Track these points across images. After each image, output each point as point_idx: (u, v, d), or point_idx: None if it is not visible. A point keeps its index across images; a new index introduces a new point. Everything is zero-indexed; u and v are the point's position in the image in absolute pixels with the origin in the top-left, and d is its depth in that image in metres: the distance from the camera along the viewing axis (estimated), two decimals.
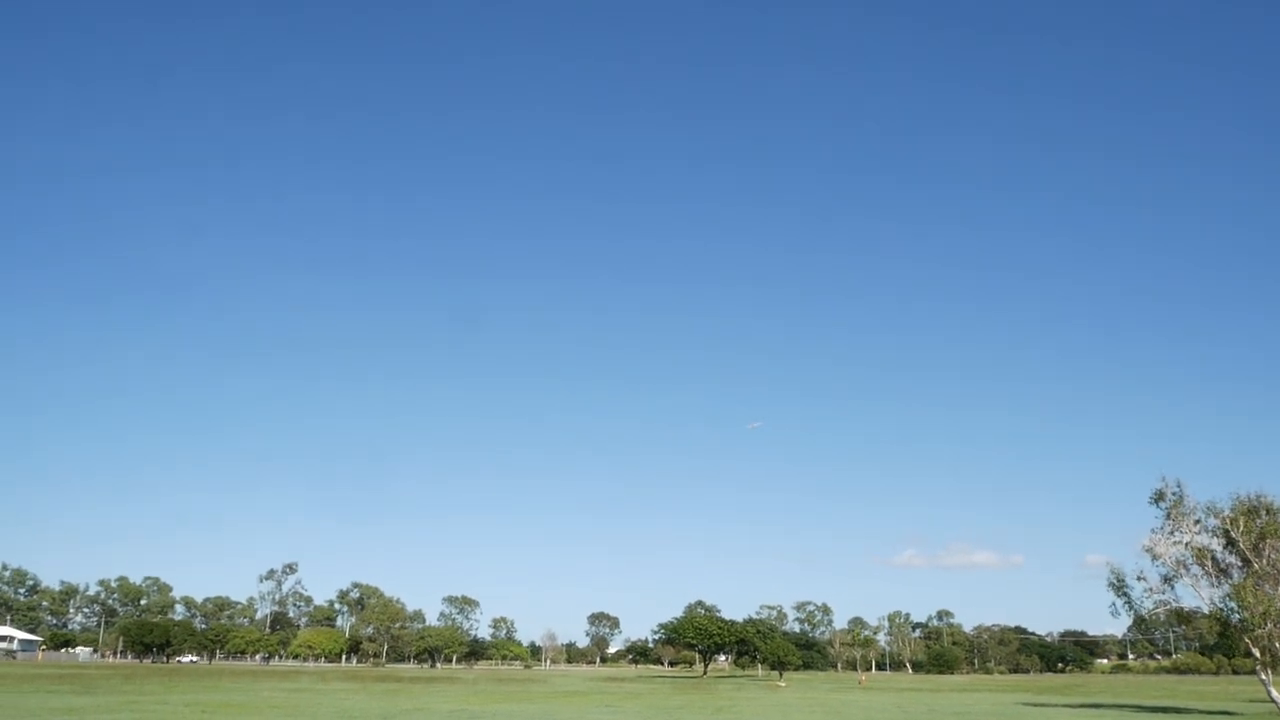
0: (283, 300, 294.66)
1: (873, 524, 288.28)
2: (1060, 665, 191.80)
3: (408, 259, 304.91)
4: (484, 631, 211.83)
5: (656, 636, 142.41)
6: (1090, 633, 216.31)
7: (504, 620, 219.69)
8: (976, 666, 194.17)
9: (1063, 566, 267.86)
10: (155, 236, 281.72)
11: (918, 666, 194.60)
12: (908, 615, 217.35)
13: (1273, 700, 41.00)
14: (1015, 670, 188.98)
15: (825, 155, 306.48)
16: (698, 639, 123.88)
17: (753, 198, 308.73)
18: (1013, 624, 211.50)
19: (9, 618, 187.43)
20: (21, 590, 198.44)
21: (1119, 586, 44.65)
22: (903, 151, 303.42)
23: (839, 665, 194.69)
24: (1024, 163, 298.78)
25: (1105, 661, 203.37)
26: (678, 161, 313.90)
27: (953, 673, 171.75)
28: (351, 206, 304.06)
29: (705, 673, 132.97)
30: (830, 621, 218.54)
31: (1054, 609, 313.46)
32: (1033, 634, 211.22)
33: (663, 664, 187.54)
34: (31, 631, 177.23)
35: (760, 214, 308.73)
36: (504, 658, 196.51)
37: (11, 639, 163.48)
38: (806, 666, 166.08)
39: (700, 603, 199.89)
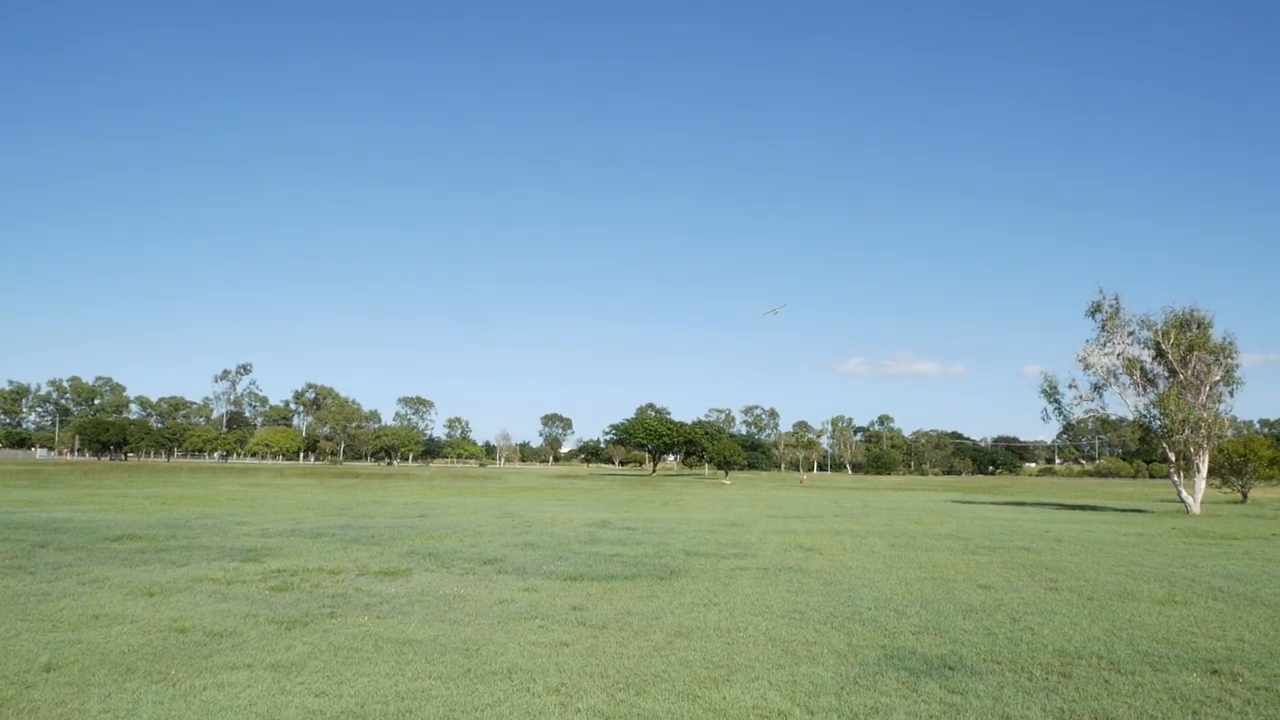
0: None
1: (820, 333, 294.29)
2: (991, 468, 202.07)
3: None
4: (439, 431, 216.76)
5: (608, 437, 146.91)
6: (1022, 439, 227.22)
7: (459, 420, 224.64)
8: (913, 469, 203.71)
9: (1002, 376, 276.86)
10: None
11: (857, 468, 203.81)
12: (850, 420, 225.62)
13: (1181, 500, 43.79)
14: (949, 473, 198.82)
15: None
16: (648, 439, 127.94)
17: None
18: (950, 430, 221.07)
19: None
20: None
21: (1051, 394, 46.60)
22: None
23: (783, 466, 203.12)
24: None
25: (1034, 466, 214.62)
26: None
27: (890, 474, 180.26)
28: None
29: (654, 472, 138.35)
30: (776, 425, 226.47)
31: (991, 418, 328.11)
32: (968, 439, 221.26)
33: (614, 464, 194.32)
34: None
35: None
36: (459, 456, 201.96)
37: None
38: (752, 467, 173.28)
39: (651, 405, 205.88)
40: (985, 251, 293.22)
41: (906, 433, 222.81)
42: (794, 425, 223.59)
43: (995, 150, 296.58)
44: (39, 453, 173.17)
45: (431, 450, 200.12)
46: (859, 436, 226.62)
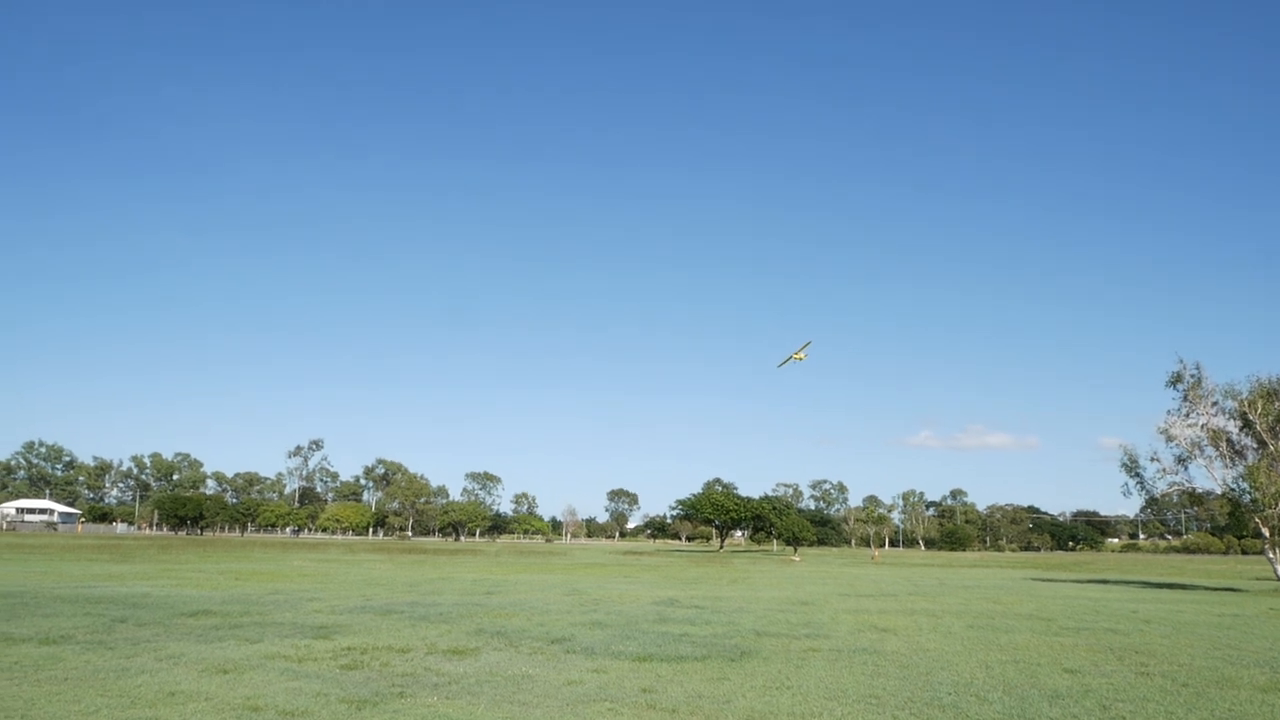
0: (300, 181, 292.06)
1: (889, 405, 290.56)
2: (1071, 544, 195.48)
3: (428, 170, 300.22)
4: (506, 507, 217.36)
5: (674, 512, 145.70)
6: (1102, 513, 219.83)
7: (525, 496, 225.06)
8: (989, 544, 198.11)
9: (1077, 449, 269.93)
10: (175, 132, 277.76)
11: (930, 544, 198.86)
12: (922, 494, 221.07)
13: (1278, 577, 41.75)
14: (1026, 548, 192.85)
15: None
16: (715, 515, 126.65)
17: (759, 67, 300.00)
18: (1026, 504, 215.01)
19: (48, 492, 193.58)
20: (58, 466, 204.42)
21: (1132, 467, 45.07)
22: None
23: (853, 542, 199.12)
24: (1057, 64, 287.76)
25: (1116, 541, 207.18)
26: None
27: (965, 550, 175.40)
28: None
29: (721, 548, 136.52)
30: (845, 499, 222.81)
31: (1067, 490, 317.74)
32: (1045, 514, 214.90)
33: (680, 539, 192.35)
34: (70, 505, 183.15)
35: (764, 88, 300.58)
36: (525, 532, 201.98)
37: (52, 512, 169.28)
38: (821, 543, 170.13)
39: (718, 480, 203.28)
40: (1056, 321, 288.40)
41: (980, 507, 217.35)
42: (864, 500, 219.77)
43: (1062, 218, 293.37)
44: (120, 527, 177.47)
45: (498, 526, 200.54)
46: (931, 511, 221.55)
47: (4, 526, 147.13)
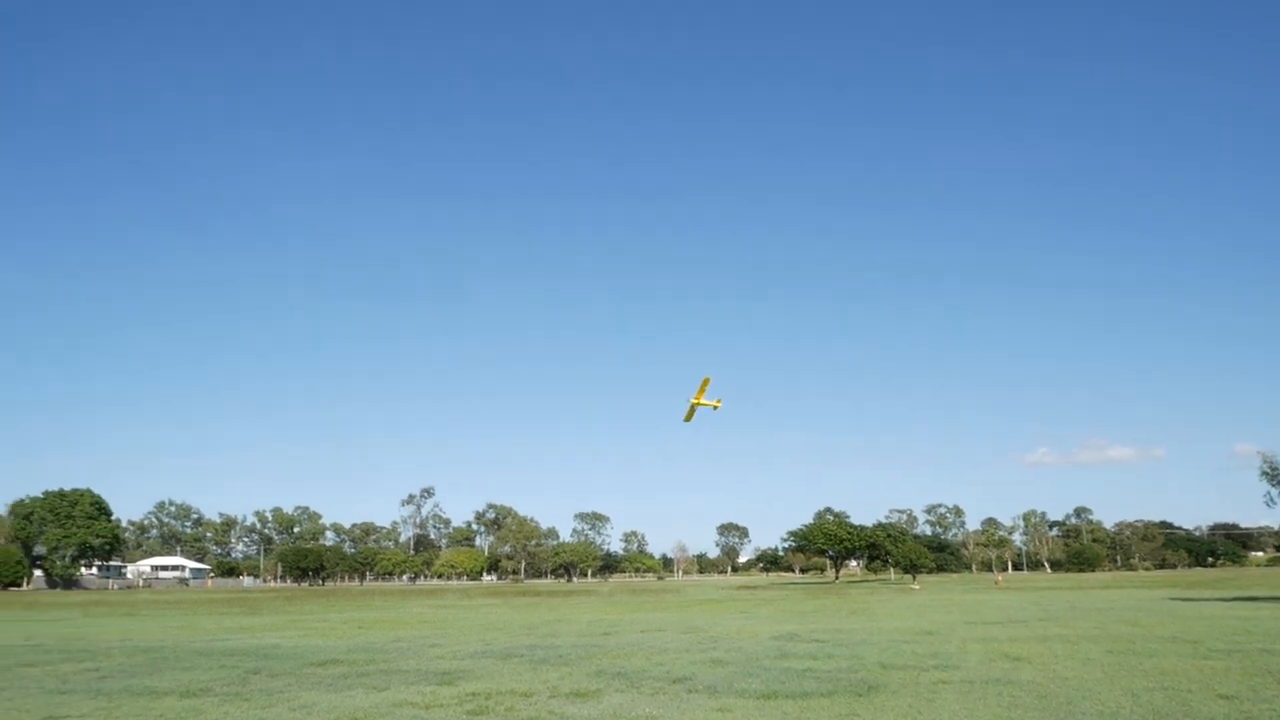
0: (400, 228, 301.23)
1: (1002, 423, 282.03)
2: (1210, 560, 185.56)
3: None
4: (616, 546, 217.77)
5: (786, 544, 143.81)
6: (1243, 525, 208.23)
7: (635, 534, 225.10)
8: (1119, 564, 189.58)
9: (1208, 458, 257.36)
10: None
11: (1056, 566, 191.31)
12: (1044, 514, 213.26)
13: None
14: (1161, 566, 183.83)
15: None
16: (828, 545, 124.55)
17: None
18: (1157, 519, 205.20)
19: (179, 549, 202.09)
20: (187, 523, 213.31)
21: (1273, 475, 42.67)
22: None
23: (974, 567, 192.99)
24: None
25: (1261, 555, 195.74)
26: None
27: (1094, 571, 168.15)
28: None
29: (837, 578, 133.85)
30: (962, 524, 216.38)
31: (1201, 503, 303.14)
32: (1179, 528, 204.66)
33: (794, 571, 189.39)
34: (199, 561, 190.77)
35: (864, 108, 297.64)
36: (637, 570, 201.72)
37: (183, 568, 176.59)
38: (940, 569, 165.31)
39: (829, 509, 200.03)
40: (1175, 323, 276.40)
41: (1108, 524, 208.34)
42: (982, 523, 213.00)
43: (1172, 214, 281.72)
44: (246, 580, 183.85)
45: (609, 565, 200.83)
46: (1055, 531, 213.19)
47: (140, 583, 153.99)
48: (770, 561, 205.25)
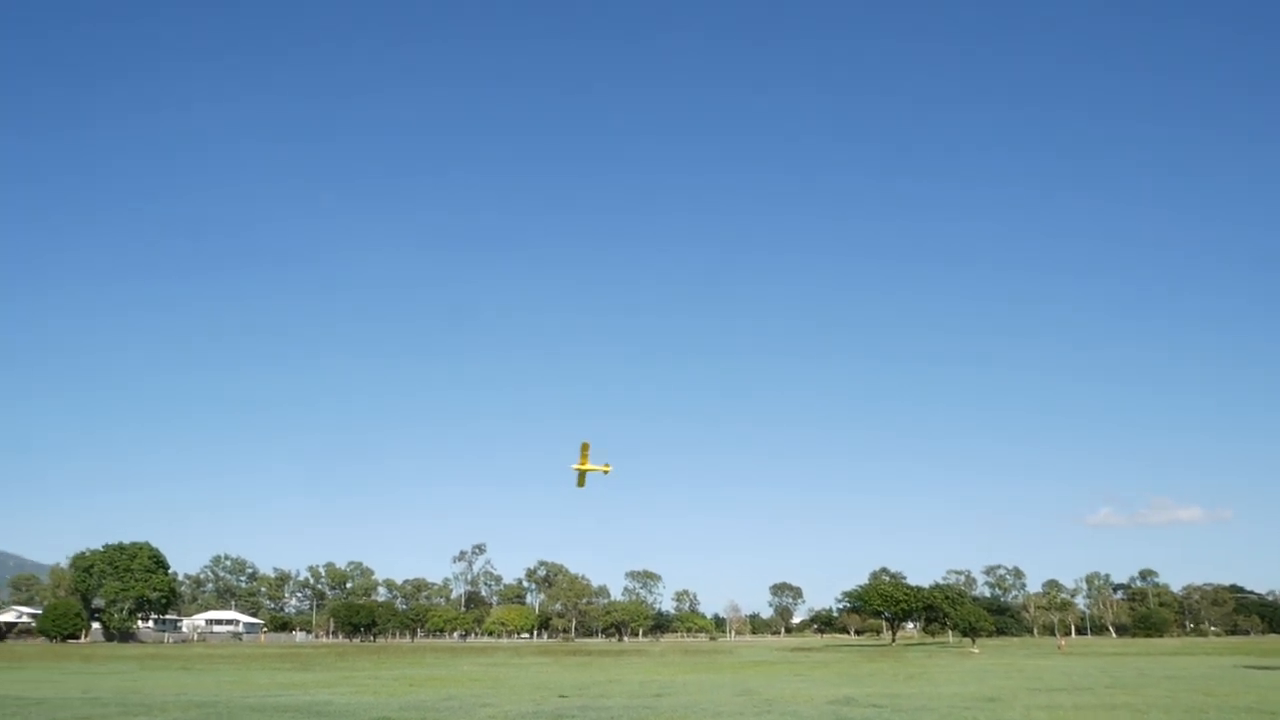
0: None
1: (1063, 483, 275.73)
2: None
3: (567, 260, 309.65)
4: (667, 605, 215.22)
5: (841, 605, 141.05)
6: None
7: (687, 593, 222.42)
8: (1188, 629, 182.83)
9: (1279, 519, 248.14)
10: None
11: (1122, 630, 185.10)
12: (1107, 576, 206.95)
13: None
14: (1233, 632, 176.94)
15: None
16: (884, 606, 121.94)
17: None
18: (1226, 582, 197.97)
19: (233, 603, 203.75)
20: (242, 578, 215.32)
21: None
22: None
23: (1035, 631, 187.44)
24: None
25: None
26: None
27: (1161, 636, 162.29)
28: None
29: (894, 641, 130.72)
30: (1023, 585, 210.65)
31: (1273, 565, 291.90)
32: (1251, 593, 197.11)
33: (849, 633, 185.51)
34: (253, 615, 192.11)
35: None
36: (689, 630, 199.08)
37: (237, 622, 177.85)
38: (1000, 632, 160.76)
39: (884, 569, 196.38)
40: (1241, 383, 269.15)
41: (1175, 588, 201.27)
42: (1043, 585, 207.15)
43: (1246, 280, 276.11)
44: (299, 636, 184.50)
45: (661, 625, 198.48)
46: (1119, 595, 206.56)
47: (195, 637, 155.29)
48: (824, 622, 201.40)
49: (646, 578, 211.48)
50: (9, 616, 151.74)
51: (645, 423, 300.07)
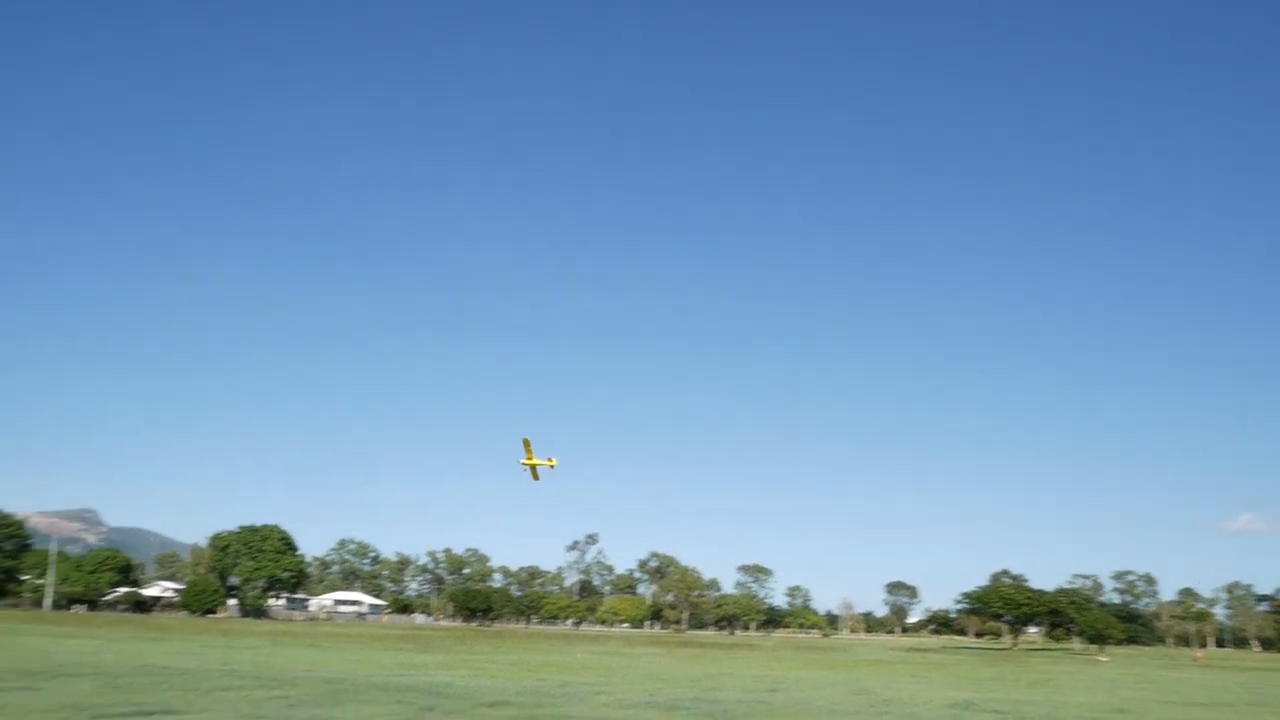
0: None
1: (1200, 485, 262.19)
2: None
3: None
4: (779, 600, 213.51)
5: (960, 606, 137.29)
6: None
7: (799, 589, 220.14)
8: None
9: None
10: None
11: (1268, 645, 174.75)
12: (1250, 587, 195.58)
13: None
14: None
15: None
16: (1004, 609, 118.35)
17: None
18: None
19: (358, 585, 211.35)
20: (365, 561, 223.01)
21: None
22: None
23: (1168, 641, 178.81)
24: None
25: None
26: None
27: None
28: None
29: (1014, 645, 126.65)
30: (1155, 593, 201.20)
31: None
32: None
33: (966, 635, 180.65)
34: (376, 597, 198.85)
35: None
36: (800, 626, 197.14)
37: (361, 603, 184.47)
38: (1131, 641, 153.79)
39: (1005, 572, 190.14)
40: None
41: None
42: (1178, 593, 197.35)
43: None
44: (419, 618, 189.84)
45: (772, 619, 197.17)
46: (1264, 606, 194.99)
47: (322, 616, 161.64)
48: (941, 623, 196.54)
49: (758, 572, 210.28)
50: (155, 590, 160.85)
51: (763, 420, 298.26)
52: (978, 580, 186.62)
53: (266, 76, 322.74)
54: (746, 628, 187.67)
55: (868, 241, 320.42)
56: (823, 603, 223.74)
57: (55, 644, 39.88)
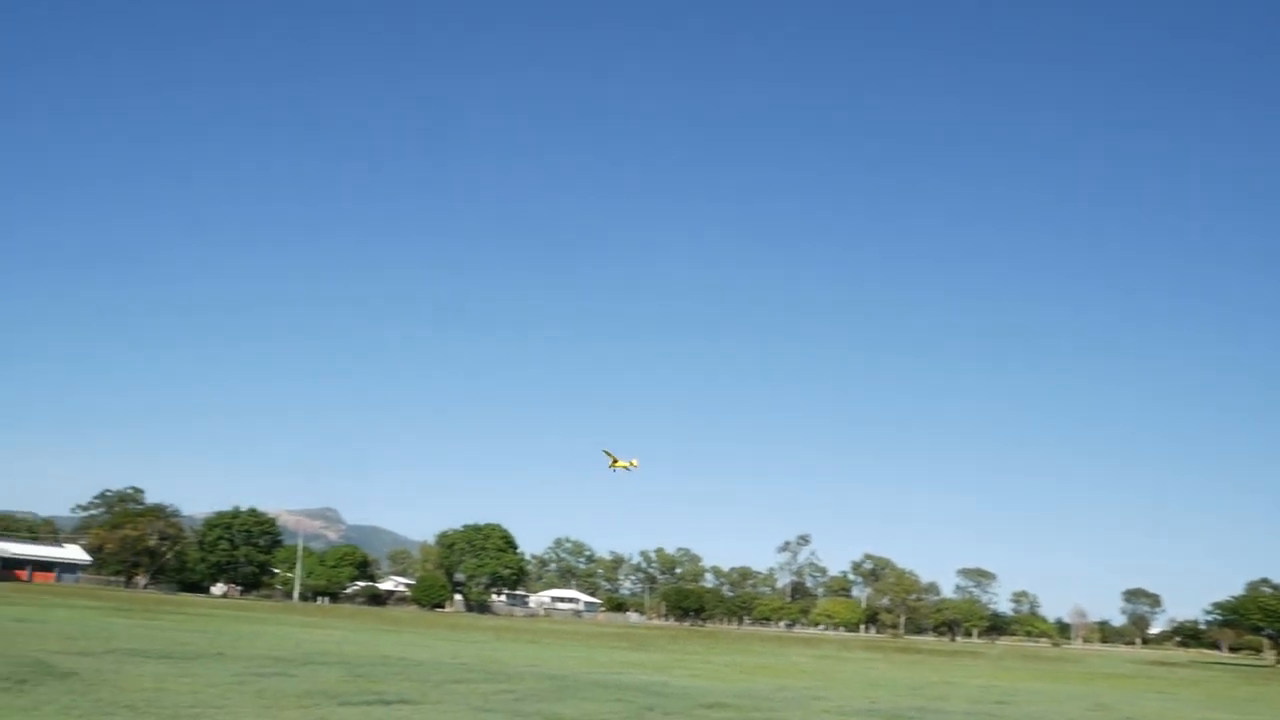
0: None
1: None
2: None
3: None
4: (1003, 606, 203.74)
5: (1210, 617, 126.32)
6: None
7: (1025, 594, 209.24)
8: None
9: None
10: None
11: None
12: None
13: None
14: None
15: None
16: (1265, 621, 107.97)
17: None
18: None
19: (573, 583, 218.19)
20: (581, 559, 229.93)
21: None
22: None
23: None
24: None
25: None
26: None
27: None
28: None
29: (1278, 662, 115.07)
30: None
31: None
32: None
33: (1219, 649, 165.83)
34: (591, 595, 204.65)
35: None
36: (1028, 634, 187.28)
37: (578, 601, 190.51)
38: None
39: (1264, 580, 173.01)
40: None
41: None
42: None
43: None
44: (632, 616, 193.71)
45: (996, 626, 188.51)
46: None
47: (541, 613, 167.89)
48: (1189, 635, 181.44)
49: (980, 576, 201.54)
50: (388, 585, 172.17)
51: (983, 418, 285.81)
52: (1231, 589, 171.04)
53: (252, 68, 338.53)
54: (968, 634, 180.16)
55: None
56: (1052, 609, 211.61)
57: (303, 633, 43.20)
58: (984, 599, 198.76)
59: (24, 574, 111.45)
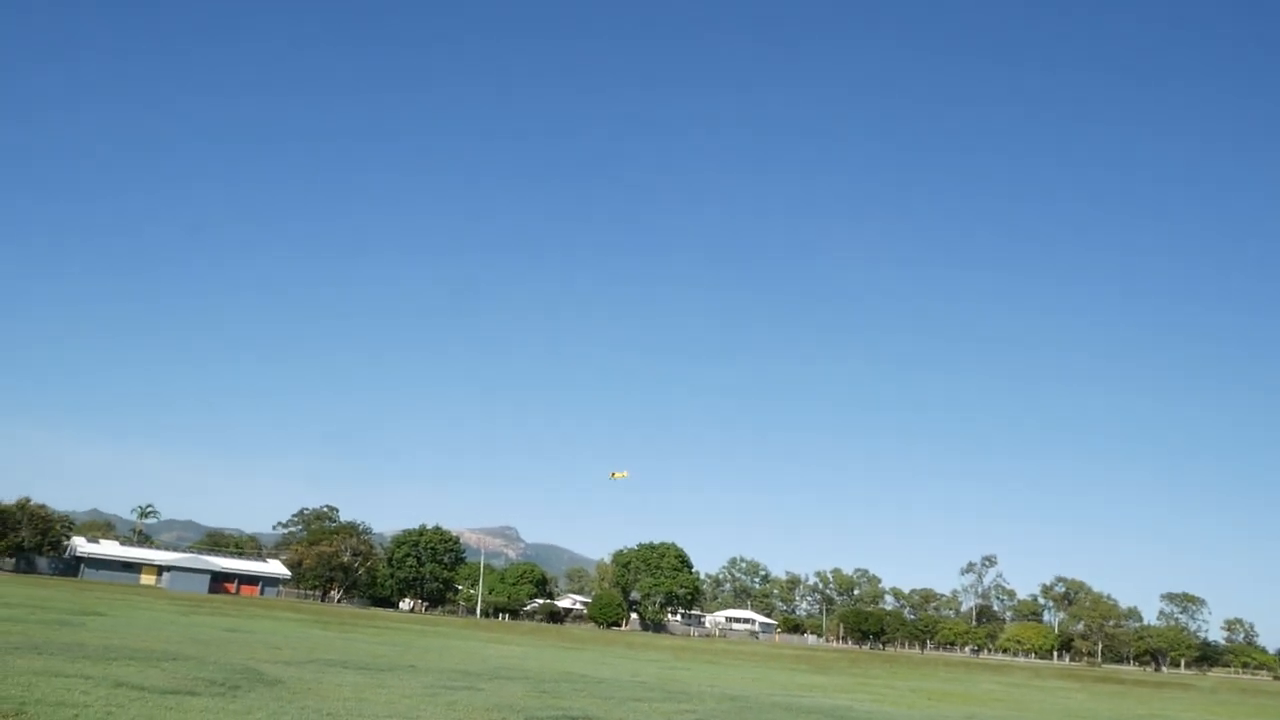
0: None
1: None
2: None
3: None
4: (1214, 634, 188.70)
5: None
6: None
7: (1239, 622, 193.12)
8: None
9: None
10: None
11: None
12: None
13: None
14: None
15: None
16: None
17: None
18: None
19: (749, 603, 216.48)
20: (756, 580, 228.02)
21: None
22: None
23: None
24: None
25: None
26: None
27: None
28: None
29: None
30: None
31: None
32: None
33: None
34: (767, 615, 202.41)
35: None
36: (1243, 665, 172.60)
37: (753, 621, 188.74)
38: None
39: None
40: None
41: None
42: None
43: None
44: (810, 638, 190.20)
45: (1206, 656, 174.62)
46: None
47: (716, 633, 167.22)
48: None
49: (1187, 601, 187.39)
50: (566, 602, 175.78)
51: (1181, 431, 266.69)
52: None
53: (259, 78, 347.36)
54: (1175, 664, 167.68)
55: None
56: (1271, 639, 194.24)
57: (488, 648, 44.50)
58: (1192, 626, 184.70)
59: (232, 587, 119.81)
